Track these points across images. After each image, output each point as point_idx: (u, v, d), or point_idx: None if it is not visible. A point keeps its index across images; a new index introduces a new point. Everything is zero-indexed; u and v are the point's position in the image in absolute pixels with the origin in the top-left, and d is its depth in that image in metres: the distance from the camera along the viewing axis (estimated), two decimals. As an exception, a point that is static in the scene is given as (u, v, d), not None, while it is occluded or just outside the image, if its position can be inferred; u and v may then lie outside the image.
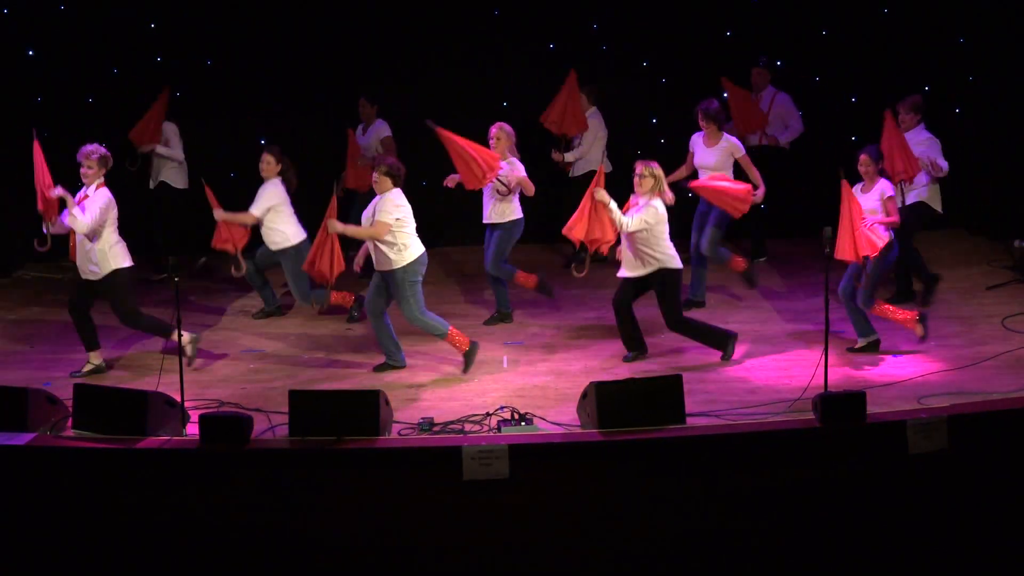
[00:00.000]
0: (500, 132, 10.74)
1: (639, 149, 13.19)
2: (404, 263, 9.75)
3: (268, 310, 11.36)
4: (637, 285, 9.95)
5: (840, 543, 8.27)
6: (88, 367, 10.01)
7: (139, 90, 12.49)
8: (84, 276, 9.91)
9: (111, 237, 9.84)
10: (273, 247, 10.97)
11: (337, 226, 9.76)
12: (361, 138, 12.40)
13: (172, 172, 12.47)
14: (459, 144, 10.41)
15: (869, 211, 9.79)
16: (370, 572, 8.24)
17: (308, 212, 11.42)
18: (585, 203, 9.80)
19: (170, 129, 12.35)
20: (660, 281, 9.84)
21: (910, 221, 10.62)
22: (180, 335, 8.94)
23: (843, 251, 9.55)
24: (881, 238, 9.71)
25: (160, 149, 12.30)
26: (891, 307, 10.06)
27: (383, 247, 9.72)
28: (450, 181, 10.81)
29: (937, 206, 10.96)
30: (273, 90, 12.90)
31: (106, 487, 8.20)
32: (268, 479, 8.17)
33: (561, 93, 11.93)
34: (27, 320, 11.39)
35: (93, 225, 9.70)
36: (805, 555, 8.28)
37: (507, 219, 10.81)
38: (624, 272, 9.92)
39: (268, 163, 10.95)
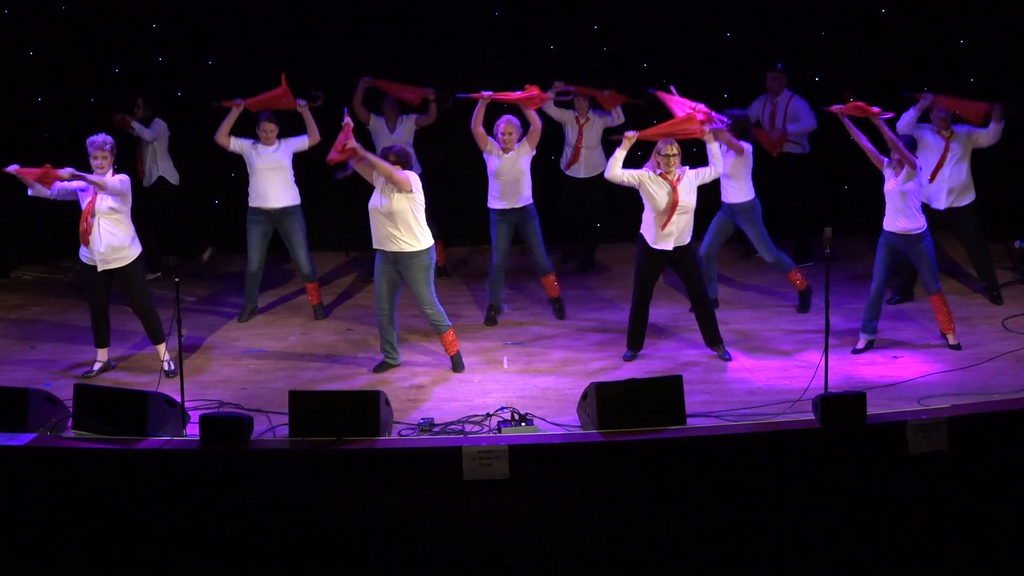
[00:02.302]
0: (510, 126, 10.75)
1: (639, 151, 13.22)
2: (424, 246, 9.79)
3: (251, 307, 11.32)
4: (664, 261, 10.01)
5: (840, 544, 8.27)
6: (99, 365, 10.03)
7: (140, 90, 12.47)
8: (107, 266, 9.77)
9: (130, 222, 9.89)
10: (285, 203, 11.00)
11: (359, 149, 9.72)
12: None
13: (167, 168, 12.45)
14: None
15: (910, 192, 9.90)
16: (370, 572, 8.24)
17: (310, 212, 11.44)
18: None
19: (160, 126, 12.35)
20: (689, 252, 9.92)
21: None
22: (180, 335, 8.93)
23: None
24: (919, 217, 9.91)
25: (136, 126, 12.22)
26: (946, 303, 10.09)
27: (405, 229, 9.71)
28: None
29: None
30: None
31: (106, 488, 8.20)
32: (268, 480, 8.17)
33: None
34: (27, 320, 11.38)
35: (122, 188, 9.69)
36: (805, 555, 8.27)
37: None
38: (669, 244, 9.86)
39: (273, 131, 11.00)
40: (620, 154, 9.80)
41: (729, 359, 9.94)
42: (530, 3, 12.88)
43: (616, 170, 9.79)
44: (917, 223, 9.87)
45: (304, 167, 11.52)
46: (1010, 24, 12.41)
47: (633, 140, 9.79)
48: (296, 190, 11.10)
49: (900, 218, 9.87)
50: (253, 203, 11.06)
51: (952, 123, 10.91)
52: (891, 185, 9.85)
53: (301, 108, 10.95)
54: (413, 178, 9.72)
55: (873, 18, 12.79)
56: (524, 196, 10.85)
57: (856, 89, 12.88)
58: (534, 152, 10.87)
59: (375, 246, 9.87)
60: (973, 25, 12.63)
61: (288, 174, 11.03)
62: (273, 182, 10.97)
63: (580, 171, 12.43)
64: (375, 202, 9.78)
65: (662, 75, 13.03)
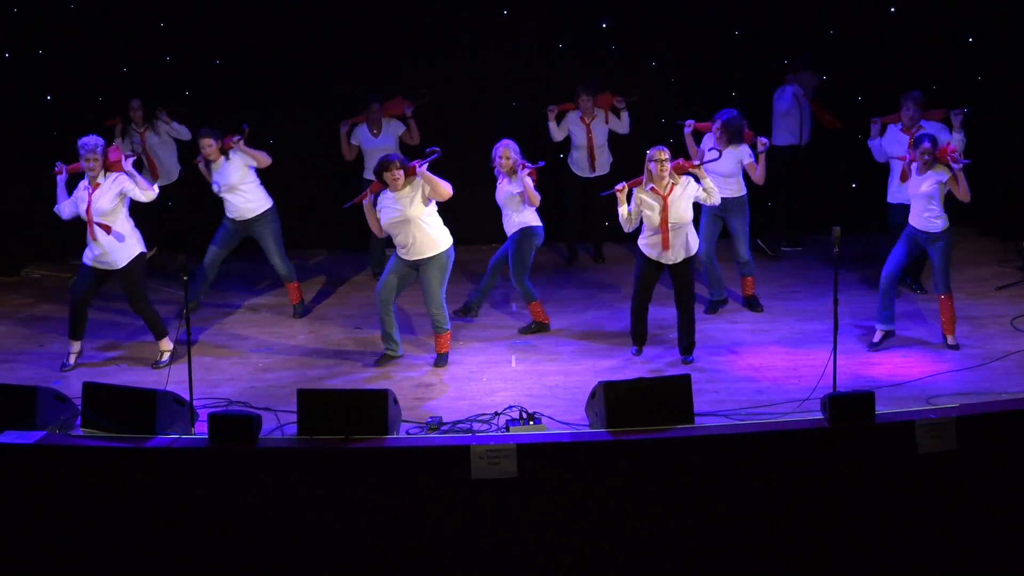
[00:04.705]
0: (507, 151, 10.56)
1: (647, 150, 13.21)
2: (443, 247, 9.90)
3: (200, 300, 11.24)
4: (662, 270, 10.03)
5: (849, 543, 8.26)
6: (74, 357, 10.18)
7: (148, 89, 12.49)
8: (102, 267, 9.95)
9: (127, 222, 9.99)
10: (251, 215, 10.92)
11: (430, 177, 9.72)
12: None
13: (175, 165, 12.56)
14: None
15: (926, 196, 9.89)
16: (378, 571, 8.24)
17: (316, 212, 11.43)
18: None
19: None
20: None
21: None
22: (189, 333, 8.93)
23: None
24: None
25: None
26: (952, 305, 10.08)
27: (430, 231, 9.80)
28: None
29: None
30: (281, 90, 12.90)
31: (115, 486, 8.21)
32: (276, 478, 8.18)
33: None
34: (36, 319, 11.40)
35: (154, 194, 10.03)
36: (814, 555, 8.27)
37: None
38: (670, 259, 9.88)
39: (211, 146, 10.86)
40: (623, 210, 9.77)
41: (692, 362, 9.97)
42: (538, 2, 12.89)
43: (628, 225, 9.80)
44: (939, 222, 9.90)
45: (310, 166, 11.54)
46: (1017, 23, 12.40)
47: (625, 191, 9.79)
48: (262, 195, 11.00)
49: (922, 216, 9.89)
50: (227, 212, 11.07)
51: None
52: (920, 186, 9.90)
53: (237, 145, 10.85)
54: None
55: (881, 17, 12.78)
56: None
57: (863, 88, 12.96)
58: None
59: (399, 254, 9.93)
60: (981, 24, 12.62)
61: (245, 189, 10.91)
62: (234, 200, 10.94)
63: (590, 170, 12.43)
64: (392, 213, 9.80)
65: (670, 74, 13.08)
